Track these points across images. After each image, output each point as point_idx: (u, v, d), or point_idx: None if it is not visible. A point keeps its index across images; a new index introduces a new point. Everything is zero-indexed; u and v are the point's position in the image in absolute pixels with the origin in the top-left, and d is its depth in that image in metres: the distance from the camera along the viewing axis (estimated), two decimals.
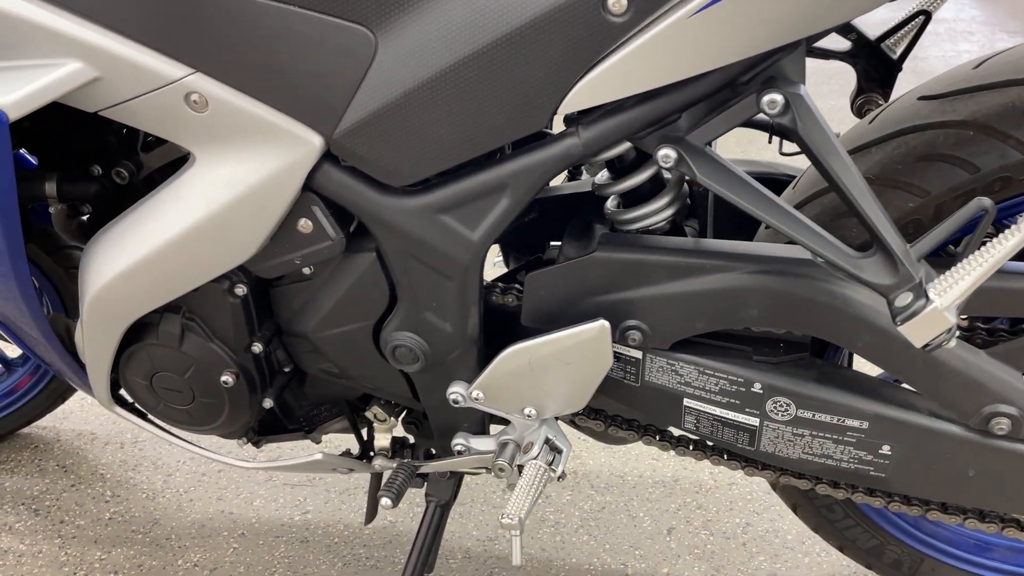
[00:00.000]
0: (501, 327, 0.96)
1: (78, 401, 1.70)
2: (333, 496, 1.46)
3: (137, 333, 0.97)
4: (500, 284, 0.97)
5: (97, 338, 0.94)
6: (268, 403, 1.03)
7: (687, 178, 0.90)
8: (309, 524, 1.40)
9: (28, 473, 1.55)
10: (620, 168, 0.92)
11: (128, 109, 0.80)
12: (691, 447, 1.01)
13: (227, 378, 0.97)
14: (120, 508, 1.45)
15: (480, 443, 0.99)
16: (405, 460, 1.04)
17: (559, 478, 0.92)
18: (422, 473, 1.07)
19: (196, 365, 0.97)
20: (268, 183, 0.82)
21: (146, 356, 0.98)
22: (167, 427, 1.08)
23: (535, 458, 0.91)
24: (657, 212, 0.91)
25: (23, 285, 0.88)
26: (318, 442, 1.15)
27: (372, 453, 1.13)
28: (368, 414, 1.07)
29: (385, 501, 0.98)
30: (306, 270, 0.92)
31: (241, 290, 0.93)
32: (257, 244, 0.86)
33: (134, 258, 0.87)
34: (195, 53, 0.77)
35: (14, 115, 0.76)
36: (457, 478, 1.11)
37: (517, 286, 0.96)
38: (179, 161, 0.92)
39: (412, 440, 1.13)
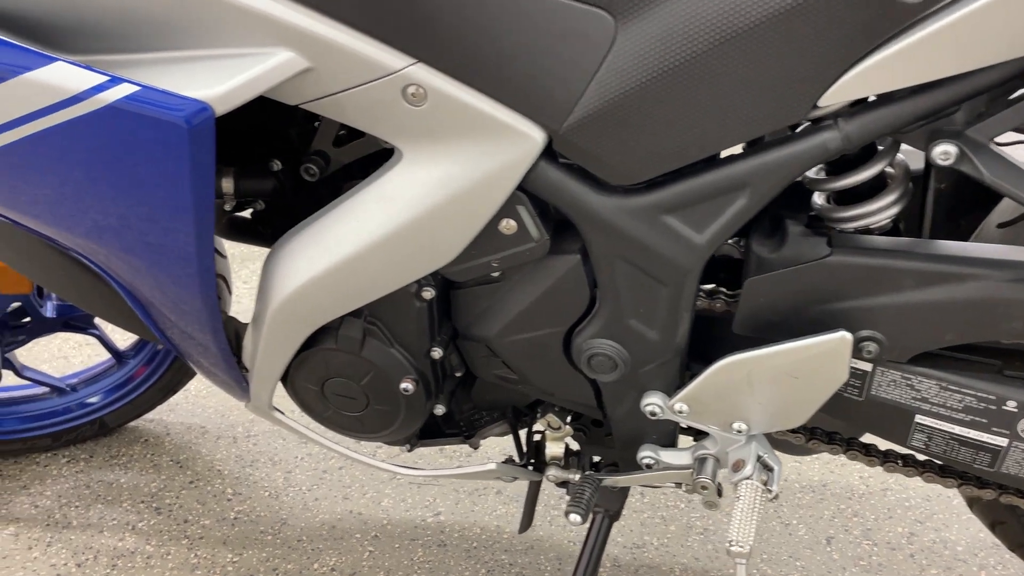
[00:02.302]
0: (702, 334, 0.89)
1: (182, 393, 1.67)
2: (463, 497, 1.41)
3: (313, 337, 0.91)
4: (705, 288, 0.90)
5: (277, 343, 0.89)
6: (440, 409, 0.97)
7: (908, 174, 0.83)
8: (444, 526, 1.35)
9: (143, 469, 1.51)
10: (838, 162, 0.84)
11: (336, 102, 0.73)
12: (900, 463, 0.94)
13: (407, 385, 0.91)
14: (244, 507, 1.41)
15: (671, 457, 0.93)
16: (588, 473, 0.98)
17: (773, 498, 0.86)
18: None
19: (375, 371, 0.91)
20: (482, 183, 0.75)
21: (322, 361, 0.92)
22: (297, 427, 1.03)
23: (749, 477, 0.85)
24: (881, 211, 0.83)
25: (206, 287, 0.82)
26: (476, 447, 1.09)
27: (540, 462, 1.07)
28: (540, 422, 1.01)
29: (574, 517, 0.92)
30: (494, 272, 0.86)
31: (428, 294, 0.87)
32: (460, 247, 0.80)
33: (331, 262, 0.81)
34: (418, 42, 0.70)
35: (220, 109, 0.70)
36: (625, 490, 1.05)
37: (723, 290, 0.89)
38: (370, 157, 0.86)
39: (577, 448, 1.07)
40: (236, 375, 0.97)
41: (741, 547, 0.80)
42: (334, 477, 1.47)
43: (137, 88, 0.69)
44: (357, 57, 0.70)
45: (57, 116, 0.70)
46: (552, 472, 1.01)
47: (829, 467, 1.39)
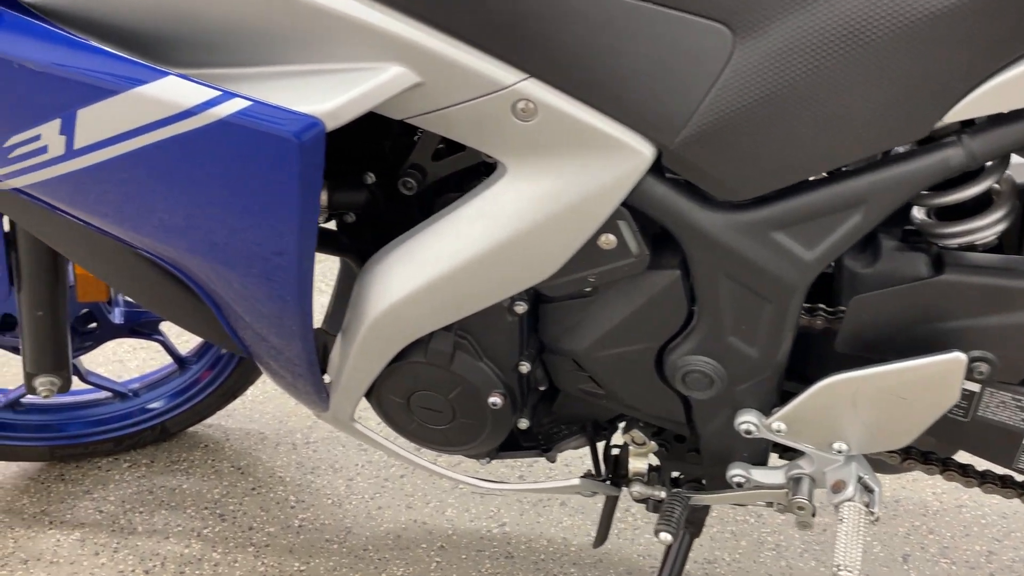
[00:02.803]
0: (798, 351, 0.87)
1: (239, 399, 1.67)
2: (527, 508, 1.40)
3: (401, 350, 0.90)
4: (804, 305, 0.88)
5: (368, 356, 0.88)
6: (524, 423, 0.96)
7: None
8: (509, 538, 1.34)
9: (205, 475, 1.52)
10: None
11: (443, 117, 0.73)
12: (999, 483, 0.92)
13: (495, 399, 0.91)
14: (308, 515, 1.41)
15: (763, 476, 0.91)
16: (676, 490, 0.96)
17: (875, 521, 0.84)
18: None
19: (464, 385, 0.91)
20: (588, 198, 0.74)
21: (410, 374, 0.91)
22: (378, 439, 1.02)
23: (851, 499, 0.83)
24: (989, 227, 0.81)
25: (304, 301, 0.81)
26: (553, 461, 1.08)
27: (618, 477, 1.06)
28: (624, 437, 1.00)
29: (665, 536, 0.91)
30: (588, 287, 0.85)
31: (521, 308, 0.86)
32: (560, 263, 0.79)
33: (430, 276, 0.80)
34: (530, 57, 0.69)
35: (331, 124, 0.70)
36: (706, 507, 1.04)
37: (823, 307, 0.87)
38: (465, 170, 0.85)
39: (657, 464, 1.06)
40: (320, 387, 0.97)
41: (849, 571, 0.78)
42: (396, 486, 1.47)
43: (249, 103, 0.69)
44: (469, 72, 0.69)
45: (167, 130, 0.70)
46: (636, 488, 1.00)
47: (901, 482, 1.37)
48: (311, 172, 0.71)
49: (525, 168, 0.75)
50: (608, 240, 0.79)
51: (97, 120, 0.70)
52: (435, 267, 0.79)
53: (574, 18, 0.67)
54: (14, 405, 1.47)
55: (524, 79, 0.70)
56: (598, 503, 1.40)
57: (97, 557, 1.33)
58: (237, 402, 1.67)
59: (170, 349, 1.51)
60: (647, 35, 0.67)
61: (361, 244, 0.94)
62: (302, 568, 1.30)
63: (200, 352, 1.55)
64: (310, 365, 0.92)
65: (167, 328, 1.51)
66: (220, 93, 0.68)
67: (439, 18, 0.68)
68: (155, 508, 1.43)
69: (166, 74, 0.69)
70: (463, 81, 0.70)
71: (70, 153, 0.74)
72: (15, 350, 1.34)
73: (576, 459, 1.51)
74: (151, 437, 1.56)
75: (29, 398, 1.48)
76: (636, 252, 0.80)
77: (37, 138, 0.73)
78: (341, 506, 1.43)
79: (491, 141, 0.74)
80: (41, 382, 1.26)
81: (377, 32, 0.69)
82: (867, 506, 0.83)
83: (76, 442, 1.51)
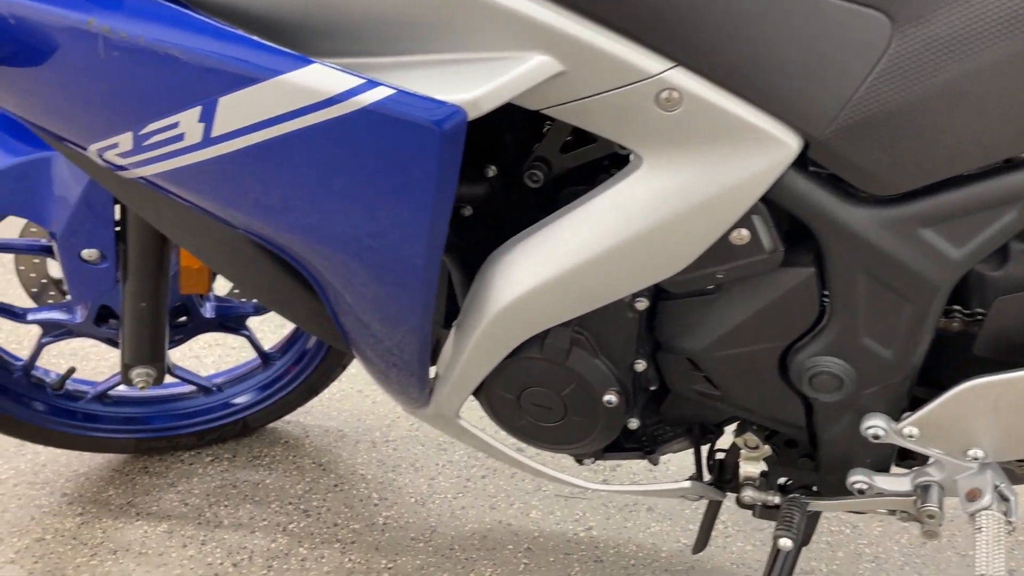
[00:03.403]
0: (930, 354, 0.84)
1: (316, 397, 1.67)
2: (613, 512, 1.38)
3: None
4: None
5: (486, 351, 0.87)
6: (635, 423, 0.94)
7: None
8: (597, 542, 1.32)
9: (287, 470, 1.52)
10: None
11: (582, 107, 0.71)
12: None
13: (610, 397, 0.89)
14: (392, 513, 1.40)
15: (888, 483, 0.88)
16: (794, 496, 0.94)
17: (1012, 531, 0.81)
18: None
19: (579, 382, 0.89)
20: (727, 192, 0.72)
21: (523, 370, 0.90)
22: (483, 437, 1.01)
23: (988, 508, 0.80)
24: None
25: (428, 293, 0.81)
26: (655, 463, 1.06)
27: (723, 481, 1.03)
28: (737, 440, 0.97)
29: (785, 542, 0.89)
30: (714, 284, 0.83)
31: (642, 304, 0.85)
32: (692, 258, 0.77)
33: (558, 270, 0.79)
34: (679, 45, 0.68)
35: (473, 114, 0.69)
36: (816, 514, 1.01)
37: (959, 308, 0.84)
38: (592, 164, 0.84)
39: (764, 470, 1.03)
40: (425, 381, 0.96)
41: None
42: (478, 486, 1.46)
43: (393, 91, 0.68)
44: (614, 61, 0.68)
45: (309, 118, 0.70)
46: (748, 493, 0.97)
47: None
48: (450, 161, 0.70)
49: (662, 160, 0.73)
50: (740, 235, 0.77)
51: (238, 107, 0.70)
52: (566, 260, 0.78)
53: (727, 4, 0.66)
54: (101, 397, 1.49)
55: (671, 68, 0.68)
56: (686, 509, 1.38)
57: (185, 549, 1.34)
58: (314, 400, 1.67)
59: (255, 344, 1.52)
60: (803, 22, 0.66)
61: (472, 238, 0.93)
62: (389, 565, 1.29)
63: (284, 348, 1.55)
64: (421, 359, 0.91)
65: (253, 323, 1.52)
66: (364, 81, 0.68)
67: (586, 5, 0.67)
68: (240, 502, 1.44)
69: (311, 62, 0.69)
70: (607, 70, 0.69)
71: (207, 141, 0.74)
72: (109, 342, 1.36)
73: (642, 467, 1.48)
74: (232, 432, 1.57)
75: (115, 391, 1.50)
76: (770, 248, 0.78)
77: (175, 125, 0.74)
78: (424, 505, 1.42)
79: (629, 132, 0.72)
80: (138, 373, 1.28)
81: (522, 20, 0.68)
82: (1004, 515, 0.80)
83: (161, 435, 1.53)
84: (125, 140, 0.77)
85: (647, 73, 0.68)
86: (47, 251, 1.29)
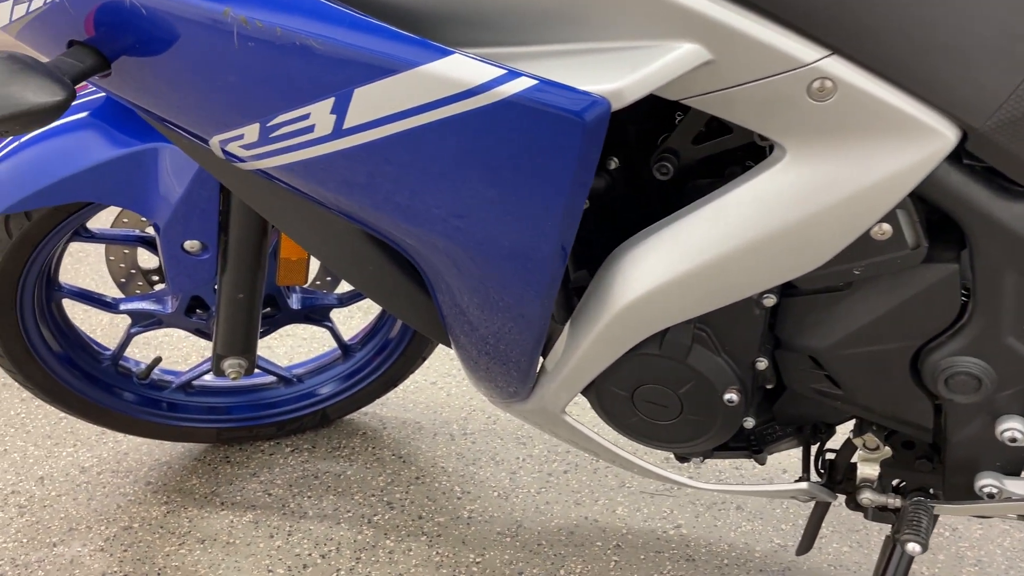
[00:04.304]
0: None
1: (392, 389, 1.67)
2: (702, 510, 1.36)
3: None
4: None
5: (605, 347, 0.85)
6: (751, 422, 0.92)
7: None
8: (687, 540, 1.30)
9: (367, 462, 1.52)
10: None
11: (726, 97, 0.69)
12: None
13: (731, 396, 0.87)
14: (476, 507, 1.40)
15: (1021, 487, 0.85)
16: (919, 499, 0.91)
17: None
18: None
19: (698, 380, 0.87)
20: (876, 186, 0.70)
21: (639, 367, 0.88)
22: (591, 434, 0.99)
23: None
24: None
25: (553, 286, 0.79)
26: (763, 463, 1.04)
27: (833, 482, 1.01)
28: (856, 441, 0.94)
29: (913, 547, 0.86)
30: (847, 280, 0.80)
31: (769, 301, 0.82)
32: (832, 253, 0.75)
33: (691, 265, 0.77)
34: (836, 32, 0.65)
35: (617, 104, 0.67)
36: (935, 517, 0.98)
37: None
38: (721, 155, 0.82)
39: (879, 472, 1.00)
40: (530, 377, 0.95)
41: None
42: (560, 481, 1.44)
43: (535, 82, 0.66)
44: (767, 49, 0.66)
45: (447, 109, 0.68)
46: (866, 495, 0.95)
47: None
48: (590, 154, 0.69)
49: (808, 151, 0.71)
50: (882, 230, 0.74)
51: (374, 99, 0.69)
52: (699, 256, 0.76)
53: None
54: (185, 387, 1.50)
55: (826, 56, 0.66)
56: (776, 509, 1.36)
57: (272, 540, 1.34)
58: (390, 392, 1.67)
59: (337, 336, 1.52)
60: (967, 8, 0.63)
61: (583, 233, 0.91)
62: (477, 560, 1.29)
63: (364, 340, 1.55)
64: (533, 354, 0.90)
65: (336, 315, 1.52)
66: (506, 72, 0.66)
67: None
68: (323, 493, 1.44)
69: (450, 52, 0.67)
70: (758, 59, 0.66)
71: (337, 133, 0.73)
72: (198, 332, 1.37)
73: (715, 464, 1.46)
74: (311, 423, 1.58)
75: (198, 380, 1.51)
76: (913, 244, 0.75)
77: (306, 117, 0.73)
78: (508, 499, 1.41)
79: (775, 122, 0.70)
80: (230, 364, 1.28)
81: (671, 7, 0.66)
82: None
83: (242, 425, 1.53)
84: (251, 132, 0.76)
85: (801, 62, 0.66)
86: (140, 241, 1.30)
